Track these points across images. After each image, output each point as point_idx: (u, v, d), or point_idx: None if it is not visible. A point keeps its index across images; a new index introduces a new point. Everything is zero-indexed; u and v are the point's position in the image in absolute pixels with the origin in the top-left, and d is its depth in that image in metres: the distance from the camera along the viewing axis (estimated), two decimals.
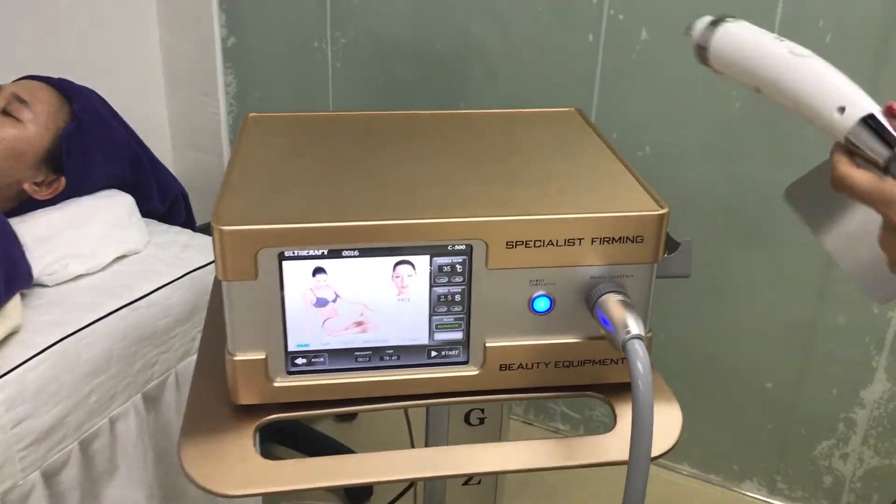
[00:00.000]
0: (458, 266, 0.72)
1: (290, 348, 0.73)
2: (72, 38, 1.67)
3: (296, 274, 0.70)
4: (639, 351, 0.66)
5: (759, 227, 1.53)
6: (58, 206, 1.25)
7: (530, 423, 1.93)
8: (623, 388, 0.76)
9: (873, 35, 1.33)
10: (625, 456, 0.65)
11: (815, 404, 1.60)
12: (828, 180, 0.69)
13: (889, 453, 1.58)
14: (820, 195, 0.72)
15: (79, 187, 1.28)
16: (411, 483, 1.21)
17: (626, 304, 0.71)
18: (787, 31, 1.32)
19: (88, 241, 1.19)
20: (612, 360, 0.77)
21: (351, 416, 1.95)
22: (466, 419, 0.95)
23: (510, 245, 0.71)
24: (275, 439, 1.75)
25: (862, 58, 1.34)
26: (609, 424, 0.77)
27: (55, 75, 1.32)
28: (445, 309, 0.74)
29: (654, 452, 0.67)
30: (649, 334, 0.75)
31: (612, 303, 0.71)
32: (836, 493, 1.66)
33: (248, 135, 0.88)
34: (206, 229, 1.43)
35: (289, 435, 1.77)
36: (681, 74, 1.46)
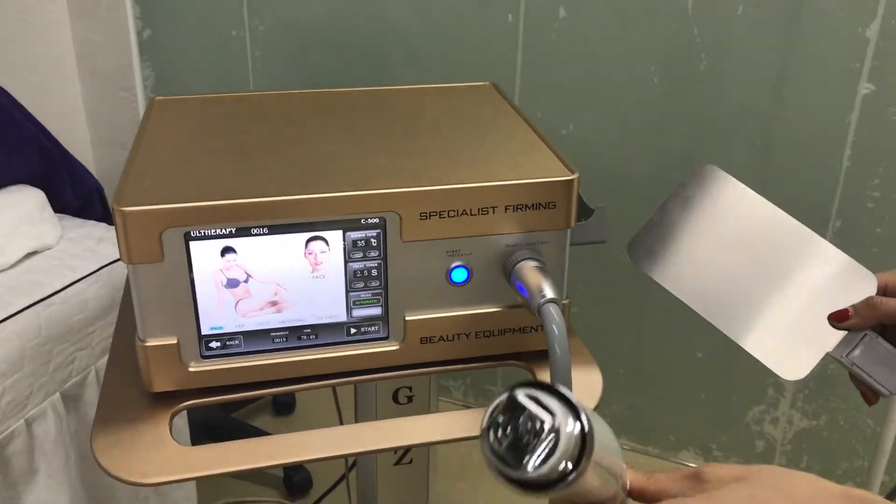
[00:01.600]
0: (372, 240, 0.71)
1: (203, 332, 0.72)
2: None
3: (204, 254, 0.68)
4: (554, 315, 0.66)
5: None
6: None
7: (469, 407, 1.93)
8: (544, 356, 0.76)
9: (784, 4, 1.35)
10: None
11: (744, 371, 1.63)
12: (670, 226, 0.67)
13: (815, 414, 1.62)
14: (667, 246, 0.71)
15: None
16: (348, 469, 1.20)
17: (542, 270, 0.71)
18: (701, 3, 1.34)
19: None
20: (531, 327, 0.77)
21: (289, 410, 1.93)
22: (395, 398, 0.94)
23: (424, 216, 0.70)
24: (212, 439, 1.72)
25: (773, 28, 1.37)
26: None
27: None
28: (362, 284, 0.73)
29: None
30: (567, 301, 0.76)
31: (528, 269, 0.71)
32: (768, 457, 1.70)
33: (153, 117, 0.85)
34: None
35: (227, 434, 1.74)
36: (600, 51, 1.47)
